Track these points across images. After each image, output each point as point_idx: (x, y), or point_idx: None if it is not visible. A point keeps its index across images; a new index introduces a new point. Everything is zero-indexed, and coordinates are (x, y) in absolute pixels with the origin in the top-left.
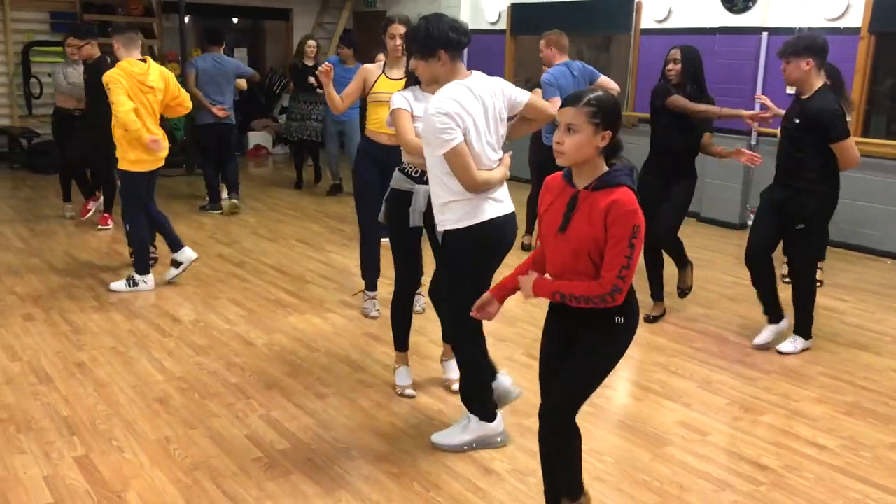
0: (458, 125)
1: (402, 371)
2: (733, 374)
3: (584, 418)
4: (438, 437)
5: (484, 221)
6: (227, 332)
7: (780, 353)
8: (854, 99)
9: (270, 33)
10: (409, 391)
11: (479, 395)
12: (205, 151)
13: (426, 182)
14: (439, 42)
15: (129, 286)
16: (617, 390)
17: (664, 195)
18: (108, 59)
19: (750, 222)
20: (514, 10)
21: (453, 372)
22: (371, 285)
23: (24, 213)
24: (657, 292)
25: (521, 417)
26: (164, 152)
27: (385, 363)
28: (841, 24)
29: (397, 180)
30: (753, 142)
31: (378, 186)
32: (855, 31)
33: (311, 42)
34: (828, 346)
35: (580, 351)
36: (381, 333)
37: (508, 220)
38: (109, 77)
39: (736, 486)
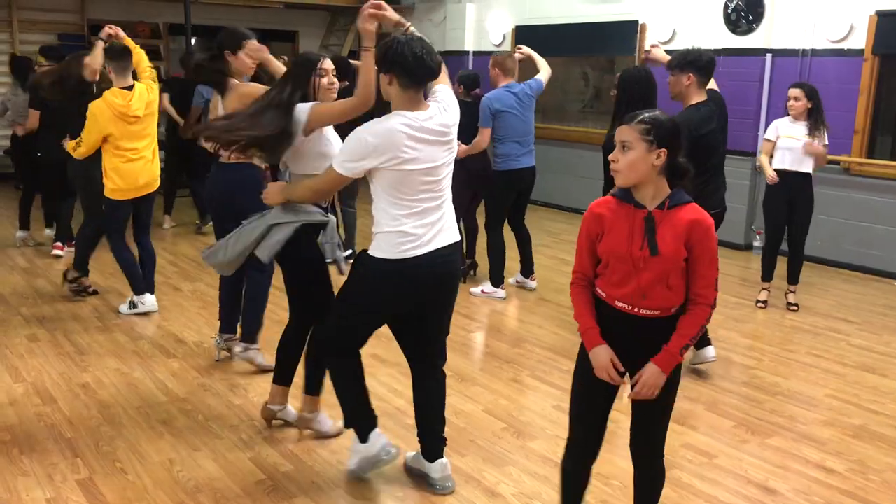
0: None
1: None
2: (740, 396)
3: None
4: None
5: (398, 259)
6: None
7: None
8: (859, 120)
9: (277, 55)
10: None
11: (349, 415)
12: (195, 170)
13: (334, 212)
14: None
15: (130, 308)
16: (624, 412)
17: None
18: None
19: (756, 243)
20: (519, 31)
21: (325, 424)
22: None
23: (30, 234)
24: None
25: (526, 440)
26: (143, 183)
27: (390, 385)
28: (845, 45)
29: (306, 213)
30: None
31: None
32: (859, 53)
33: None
34: (834, 367)
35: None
36: (386, 355)
37: (427, 259)
38: (89, 110)
39: None
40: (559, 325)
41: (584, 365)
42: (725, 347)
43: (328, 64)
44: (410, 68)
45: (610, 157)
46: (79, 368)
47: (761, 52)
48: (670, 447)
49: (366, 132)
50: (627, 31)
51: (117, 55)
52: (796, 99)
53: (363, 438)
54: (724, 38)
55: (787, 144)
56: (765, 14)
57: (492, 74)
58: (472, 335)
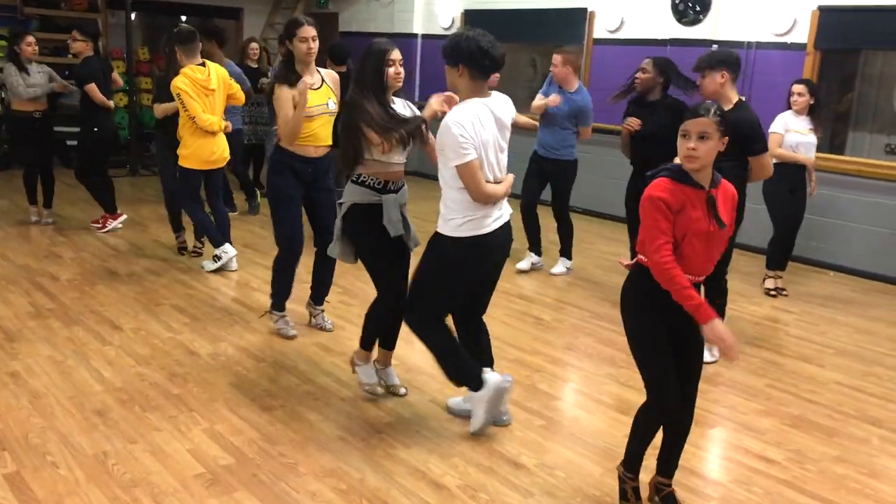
0: (472, 142)
1: (368, 369)
2: None
3: (536, 431)
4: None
5: (478, 235)
6: (169, 341)
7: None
8: None
9: (217, 33)
10: (379, 389)
11: (458, 371)
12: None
13: (390, 191)
14: (462, 56)
15: (215, 262)
16: (568, 402)
17: None
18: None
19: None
20: (468, 16)
21: (396, 377)
22: (281, 305)
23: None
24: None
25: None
26: (216, 156)
27: (335, 375)
28: (788, 39)
29: (359, 194)
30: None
31: (300, 200)
32: (801, 47)
33: (254, 44)
34: (773, 357)
35: (693, 341)
36: (331, 344)
37: (501, 231)
38: (177, 87)
39: (686, 500)
40: (507, 314)
41: (649, 326)
42: None
43: (396, 54)
44: (477, 59)
45: (688, 145)
46: (8, 356)
47: (707, 43)
48: (615, 438)
49: (454, 122)
50: (576, 19)
51: (184, 39)
52: (800, 94)
53: (478, 387)
54: (671, 29)
55: (795, 139)
56: (711, 5)
57: (561, 73)
58: None
